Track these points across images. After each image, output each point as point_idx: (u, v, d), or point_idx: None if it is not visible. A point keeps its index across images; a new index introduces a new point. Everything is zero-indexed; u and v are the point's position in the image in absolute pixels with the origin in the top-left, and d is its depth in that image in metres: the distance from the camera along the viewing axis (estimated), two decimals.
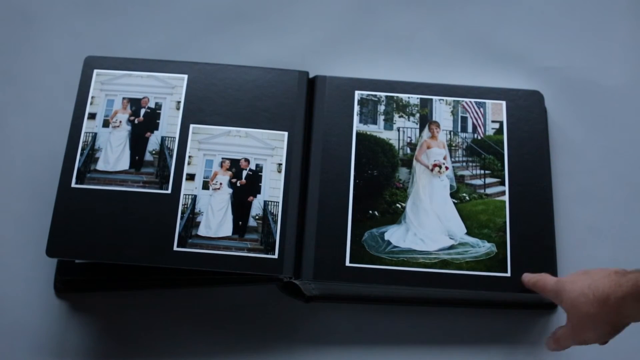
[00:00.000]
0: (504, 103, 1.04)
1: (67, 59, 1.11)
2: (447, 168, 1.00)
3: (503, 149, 1.01)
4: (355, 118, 1.02)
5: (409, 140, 1.02)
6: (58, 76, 1.10)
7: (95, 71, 1.02)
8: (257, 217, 0.95)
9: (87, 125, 1.00)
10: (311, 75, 1.05)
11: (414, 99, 1.04)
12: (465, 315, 0.99)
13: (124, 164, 0.98)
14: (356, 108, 1.03)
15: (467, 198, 0.99)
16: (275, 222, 0.95)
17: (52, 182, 0.97)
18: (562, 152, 1.07)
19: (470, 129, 1.03)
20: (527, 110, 1.03)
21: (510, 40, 1.15)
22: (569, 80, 1.12)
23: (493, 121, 1.03)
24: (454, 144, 1.02)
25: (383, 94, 1.04)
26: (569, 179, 1.06)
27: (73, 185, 0.96)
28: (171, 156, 0.98)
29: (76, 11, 1.16)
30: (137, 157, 0.98)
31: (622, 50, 1.14)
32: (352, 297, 0.99)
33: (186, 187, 0.97)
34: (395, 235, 0.96)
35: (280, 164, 0.98)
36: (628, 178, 1.06)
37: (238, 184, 0.97)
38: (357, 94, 1.04)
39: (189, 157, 0.98)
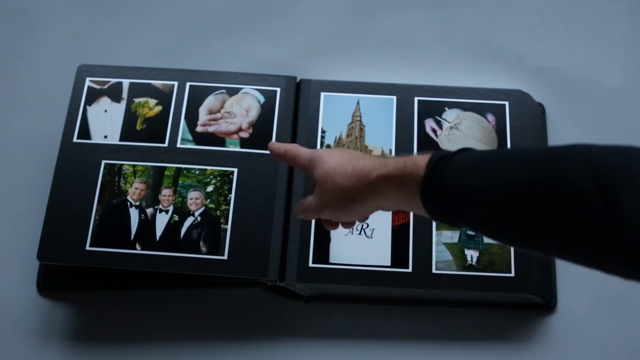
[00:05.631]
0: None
1: (66, 60, 1.12)
2: None
3: None
4: None
5: None
6: (57, 77, 1.12)
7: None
8: None
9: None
10: (311, 78, 1.05)
11: None
12: (464, 315, 0.97)
13: None
14: None
15: None
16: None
17: (47, 184, 0.99)
18: None
19: None
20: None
21: (507, 41, 1.13)
22: (567, 81, 1.10)
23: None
24: None
25: None
26: None
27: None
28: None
29: (76, 11, 1.19)
30: None
31: (620, 50, 1.12)
32: (350, 297, 0.98)
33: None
34: None
35: None
36: None
37: None
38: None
39: None
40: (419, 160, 0.64)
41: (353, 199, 0.69)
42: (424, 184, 0.62)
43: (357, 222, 0.73)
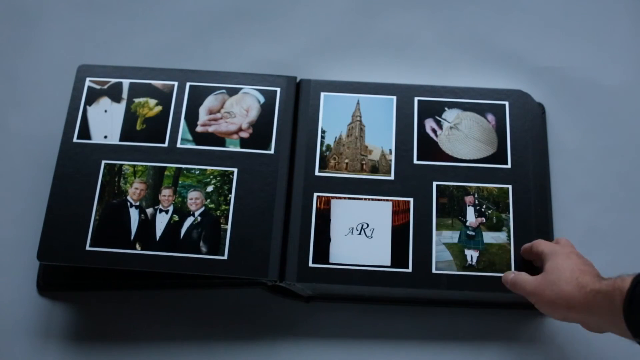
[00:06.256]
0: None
1: (66, 60, 1.12)
2: None
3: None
4: None
5: None
6: (57, 77, 1.11)
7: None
8: None
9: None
10: (311, 78, 1.04)
11: None
12: (464, 315, 0.97)
13: None
14: None
15: None
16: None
17: (47, 184, 0.98)
18: (561, 153, 1.05)
19: None
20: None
21: (507, 41, 1.14)
22: (567, 81, 1.10)
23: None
24: None
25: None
26: (568, 180, 1.04)
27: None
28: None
29: (76, 11, 1.18)
30: None
31: (621, 50, 1.12)
32: (350, 297, 0.98)
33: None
34: None
35: None
36: (627, 178, 1.04)
37: None
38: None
39: None
40: (627, 278, 0.67)
41: (563, 302, 0.75)
42: (627, 298, 0.65)
43: None
